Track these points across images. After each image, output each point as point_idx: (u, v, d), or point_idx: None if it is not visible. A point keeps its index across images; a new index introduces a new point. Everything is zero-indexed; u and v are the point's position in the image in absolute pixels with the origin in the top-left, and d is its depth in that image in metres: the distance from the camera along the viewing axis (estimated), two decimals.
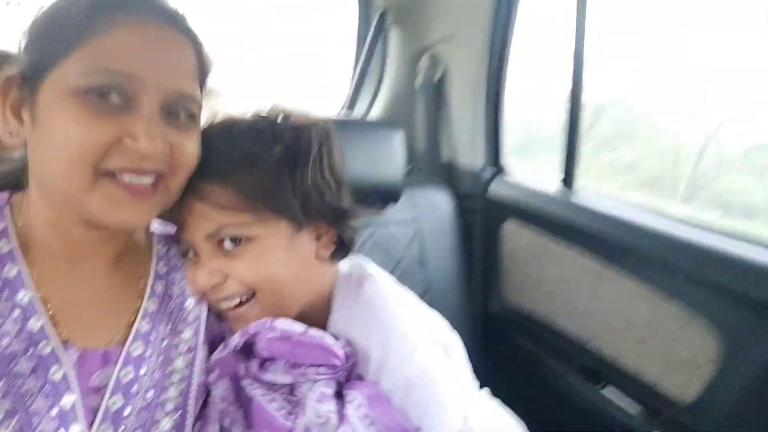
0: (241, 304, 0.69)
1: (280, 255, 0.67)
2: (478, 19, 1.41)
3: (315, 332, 0.67)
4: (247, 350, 0.70)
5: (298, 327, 0.67)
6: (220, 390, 0.70)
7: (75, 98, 0.53)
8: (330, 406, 0.64)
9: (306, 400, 0.66)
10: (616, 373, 1.03)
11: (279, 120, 0.70)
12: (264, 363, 0.69)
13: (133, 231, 0.69)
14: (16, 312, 0.56)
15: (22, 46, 0.58)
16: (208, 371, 0.71)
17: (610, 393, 1.05)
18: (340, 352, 0.67)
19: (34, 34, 0.57)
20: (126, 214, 0.57)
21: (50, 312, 0.59)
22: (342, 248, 0.75)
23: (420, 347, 0.68)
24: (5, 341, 0.55)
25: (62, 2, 0.56)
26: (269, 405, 0.67)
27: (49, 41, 0.55)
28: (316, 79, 2.00)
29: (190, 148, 0.61)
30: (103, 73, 0.53)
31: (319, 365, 0.67)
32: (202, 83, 0.63)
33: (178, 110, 0.59)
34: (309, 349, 0.67)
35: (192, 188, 0.64)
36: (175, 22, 0.59)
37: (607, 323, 1.05)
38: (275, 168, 0.66)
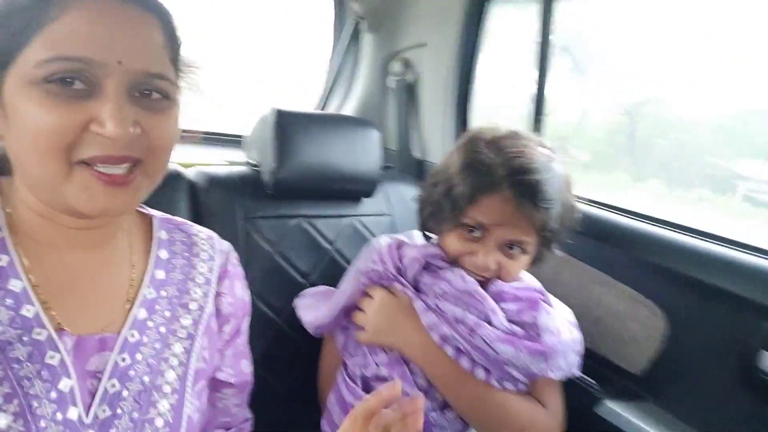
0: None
1: (527, 263, 0.94)
2: (449, 27, 1.51)
3: None
4: None
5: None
6: None
7: (37, 88, 0.51)
8: None
9: None
10: None
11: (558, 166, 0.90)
12: None
13: (118, 218, 0.66)
14: (9, 300, 0.56)
15: None
16: None
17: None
18: None
19: None
20: (103, 203, 0.55)
21: (42, 299, 0.59)
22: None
23: None
24: (0, 329, 0.55)
25: None
26: None
27: (6, 33, 0.53)
28: (290, 77, 2.04)
29: (166, 130, 0.58)
30: (60, 60, 0.51)
31: None
32: (174, 59, 0.60)
33: (149, 91, 0.56)
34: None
35: (524, 204, 0.84)
36: None
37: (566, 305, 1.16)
38: (564, 206, 0.90)
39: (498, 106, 1.82)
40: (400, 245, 0.98)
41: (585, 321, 1.12)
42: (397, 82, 1.70)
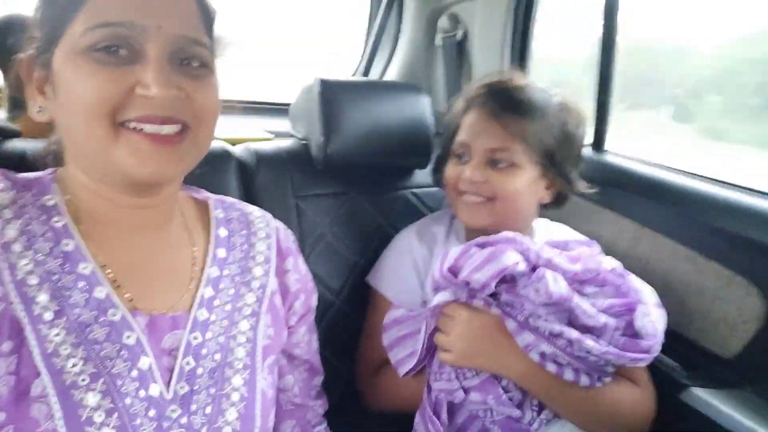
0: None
1: (524, 183, 0.93)
2: None
3: None
4: None
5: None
6: None
7: (84, 56, 0.55)
8: None
9: None
10: None
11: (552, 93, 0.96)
12: None
13: (171, 196, 0.68)
14: (81, 283, 0.58)
15: (35, 21, 0.60)
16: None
17: None
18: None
19: (40, 7, 0.60)
20: (153, 165, 0.57)
21: (115, 281, 0.61)
22: (555, 202, 1.00)
23: None
24: (76, 311, 0.57)
25: None
26: None
27: (54, 10, 0.57)
28: (330, 40, 1.95)
29: (209, 97, 0.61)
30: (104, 27, 0.54)
31: None
32: (208, 30, 0.63)
33: (189, 58, 0.59)
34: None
35: (498, 112, 0.91)
36: None
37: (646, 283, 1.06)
38: (556, 127, 0.93)
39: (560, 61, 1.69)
40: (444, 258, 0.87)
41: (668, 300, 1.03)
42: (445, 40, 1.58)
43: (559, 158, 0.94)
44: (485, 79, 0.99)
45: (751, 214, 0.93)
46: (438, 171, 1.06)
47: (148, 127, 0.56)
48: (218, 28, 0.65)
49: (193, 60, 0.59)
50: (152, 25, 0.55)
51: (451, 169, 0.98)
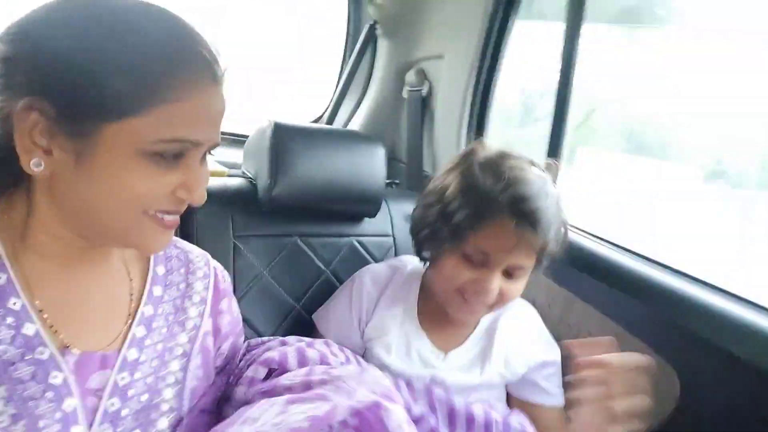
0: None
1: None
2: (469, 40, 1.42)
3: None
4: None
5: None
6: None
7: (144, 158, 0.55)
8: None
9: None
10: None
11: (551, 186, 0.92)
12: None
13: None
14: (9, 319, 0.56)
15: (53, 71, 0.52)
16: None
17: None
18: None
19: (78, 70, 0.52)
20: (161, 244, 0.62)
21: (46, 317, 0.59)
22: None
23: None
24: (2, 348, 0.55)
25: (130, 47, 0.52)
26: None
27: (112, 89, 0.52)
28: (299, 84, 1.97)
29: (208, 174, 0.64)
30: (177, 142, 0.56)
31: None
32: None
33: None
34: None
35: (525, 229, 0.85)
36: (221, 78, 0.60)
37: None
38: (560, 232, 0.93)
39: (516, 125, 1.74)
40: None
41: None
42: (411, 94, 1.62)
43: (554, 252, 0.94)
44: (502, 178, 0.88)
45: (668, 294, 0.95)
46: (425, 243, 0.98)
47: (169, 218, 0.60)
48: None
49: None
50: (211, 143, 0.60)
51: (458, 270, 0.91)
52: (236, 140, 1.65)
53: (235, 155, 1.44)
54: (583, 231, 1.18)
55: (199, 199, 0.60)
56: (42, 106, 0.52)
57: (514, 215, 0.85)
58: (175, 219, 0.61)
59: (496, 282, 0.89)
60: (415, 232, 1.00)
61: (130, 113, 0.52)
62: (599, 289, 1.05)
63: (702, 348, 0.89)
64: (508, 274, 0.91)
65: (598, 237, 1.15)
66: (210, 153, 0.63)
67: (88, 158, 0.54)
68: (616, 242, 1.12)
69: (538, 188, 0.88)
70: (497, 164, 0.90)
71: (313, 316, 1.08)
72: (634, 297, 0.99)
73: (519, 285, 0.93)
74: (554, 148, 1.23)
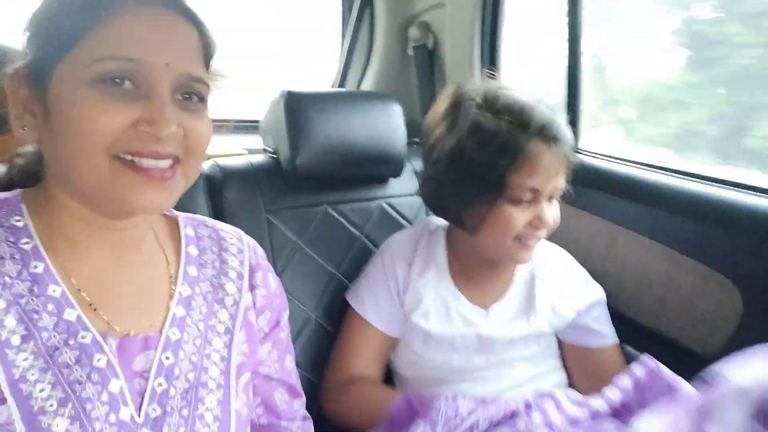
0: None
1: None
2: None
3: None
4: None
5: None
6: None
7: (89, 88, 0.54)
8: None
9: None
10: (634, 331, 1.03)
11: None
12: None
13: (156, 215, 0.70)
14: (50, 306, 0.57)
15: (26, 40, 0.58)
16: None
17: (627, 353, 1.05)
18: None
19: (36, 28, 0.58)
20: (147, 199, 0.57)
21: (89, 301, 0.60)
22: None
23: None
24: (45, 335, 0.56)
25: None
26: None
27: (54, 34, 0.55)
28: (305, 55, 1.94)
29: (204, 131, 0.61)
30: (112, 60, 0.54)
31: None
32: (207, 65, 0.64)
33: (189, 93, 0.59)
34: None
35: (559, 149, 0.88)
36: (177, 4, 0.59)
37: (623, 283, 1.05)
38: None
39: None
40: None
41: (646, 299, 1.02)
42: (417, 49, 1.58)
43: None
44: (512, 111, 0.88)
45: (725, 208, 0.92)
46: (451, 202, 0.95)
47: (145, 162, 0.56)
48: (216, 62, 0.66)
49: (192, 96, 0.60)
50: (160, 63, 0.56)
51: (513, 218, 0.89)
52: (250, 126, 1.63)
53: (252, 142, 1.41)
54: (619, 158, 1.15)
55: (162, 132, 0.55)
56: (18, 71, 0.57)
57: (545, 141, 0.87)
58: (156, 166, 0.56)
59: (550, 211, 0.91)
60: (434, 193, 0.97)
61: (66, 49, 0.55)
62: (645, 215, 1.02)
63: (764, 262, 0.86)
64: (550, 198, 0.92)
65: (637, 162, 1.12)
66: (197, 96, 0.60)
67: (50, 109, 0.56)
68: (659, 164, 1.08)
69: (545, 106, 0.91)
70: (499, 101, 0.90)
71: (346, 296, 1.06)
72: (687, 217, 0.95)
73: (557, 206, 0.95)
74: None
